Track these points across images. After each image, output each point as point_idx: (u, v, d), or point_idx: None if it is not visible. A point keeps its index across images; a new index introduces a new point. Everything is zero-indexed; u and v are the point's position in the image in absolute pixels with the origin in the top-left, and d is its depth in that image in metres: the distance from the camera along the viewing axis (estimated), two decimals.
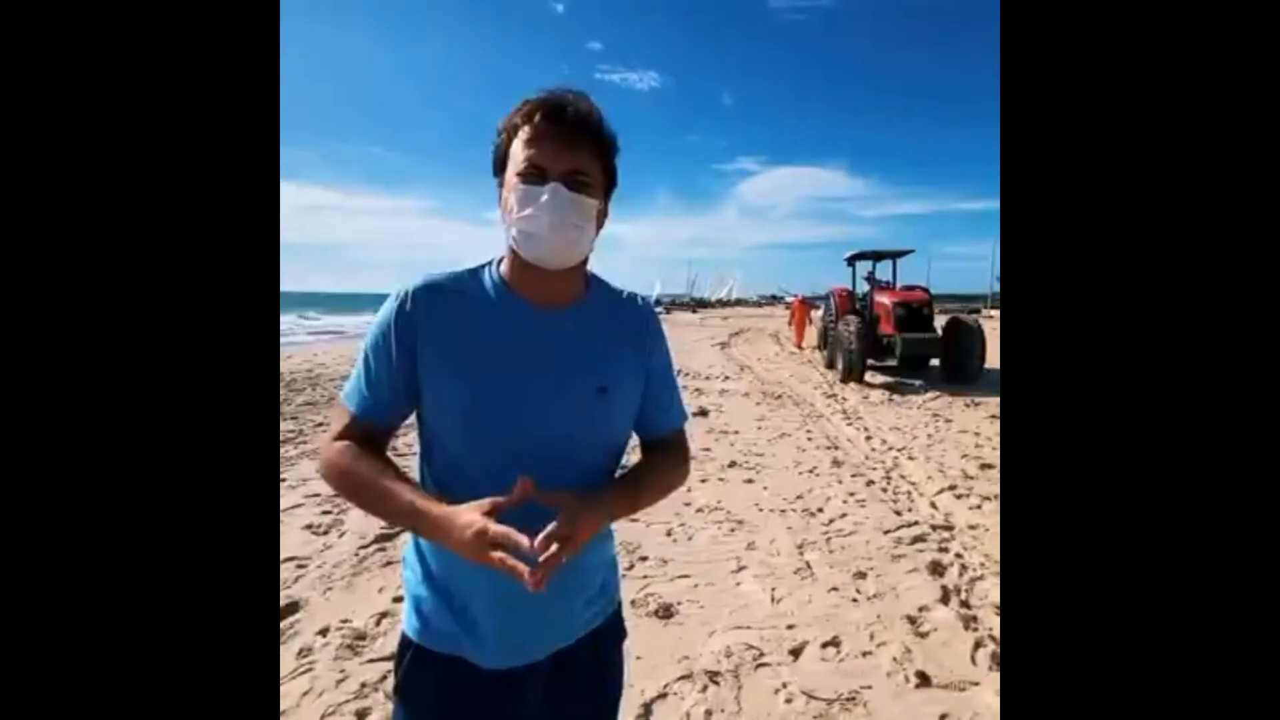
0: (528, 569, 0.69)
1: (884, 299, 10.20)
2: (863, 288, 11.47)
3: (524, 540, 0.69)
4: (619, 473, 0.94)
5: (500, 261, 0.90)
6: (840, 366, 9.84)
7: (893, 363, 9.96)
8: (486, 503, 0.73)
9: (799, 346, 15.66)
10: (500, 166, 0.86)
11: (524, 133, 0.82)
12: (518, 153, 0.82)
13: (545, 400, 0.84)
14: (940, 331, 9.76)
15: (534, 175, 0.81)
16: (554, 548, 0.71)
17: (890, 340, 9.73)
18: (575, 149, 0.82)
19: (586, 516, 0.77)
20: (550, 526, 0.72)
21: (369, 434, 0.86)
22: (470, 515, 0.72)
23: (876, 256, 11.22)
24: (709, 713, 1.96)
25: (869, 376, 9.66)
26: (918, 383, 9.27)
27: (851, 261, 11.89)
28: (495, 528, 0.70)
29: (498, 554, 0.70)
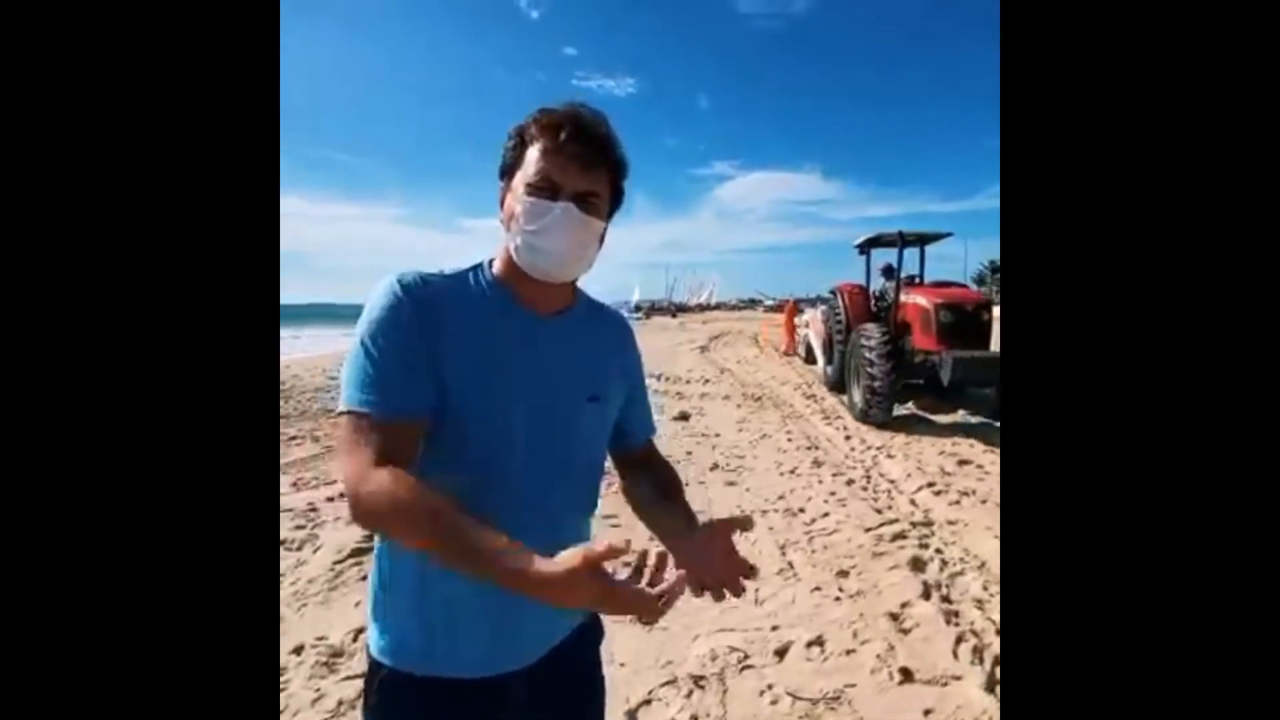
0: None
1: (920, 299, 6.77)
2: (878, 283, 8.22)
3: (650, 594, 0.66)
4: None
5: (491, 264, 0.88)
6: (859, 399, 6.63)
7: (918, 382, 6.76)
8: (582, 552, 0.63)
9: (788, 352, 13.62)
10: (507, 171, 0.84)
11: (543, 144, 0.80)
12: (531, 163, 0.80)
13: (539, 407, 0.82)
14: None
15: (546, 190, 0.79)
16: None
17: (930, 358, 6.40)
18: (593, 171, 0.81)
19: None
20: (671, 578, 0.70)
21: (402, 440, 0.74)
22: (575, 570, 0.62)
23: (902, 241, 7.60)
24: (694, 718, 1.95)
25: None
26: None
27: (865, 249, 8.47)
28: (624, 590, 0.65)
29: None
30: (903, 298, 7.20)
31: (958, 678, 2.13)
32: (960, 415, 6.75)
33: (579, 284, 0.96)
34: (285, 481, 4.22)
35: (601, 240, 0.88)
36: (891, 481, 4.54)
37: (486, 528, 0.67)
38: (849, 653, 2.30)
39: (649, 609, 0.66)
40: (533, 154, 0.80)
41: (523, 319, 0.85)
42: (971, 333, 6.40)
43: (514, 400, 0.81)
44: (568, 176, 0.79)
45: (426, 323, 0.78)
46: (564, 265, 0.83)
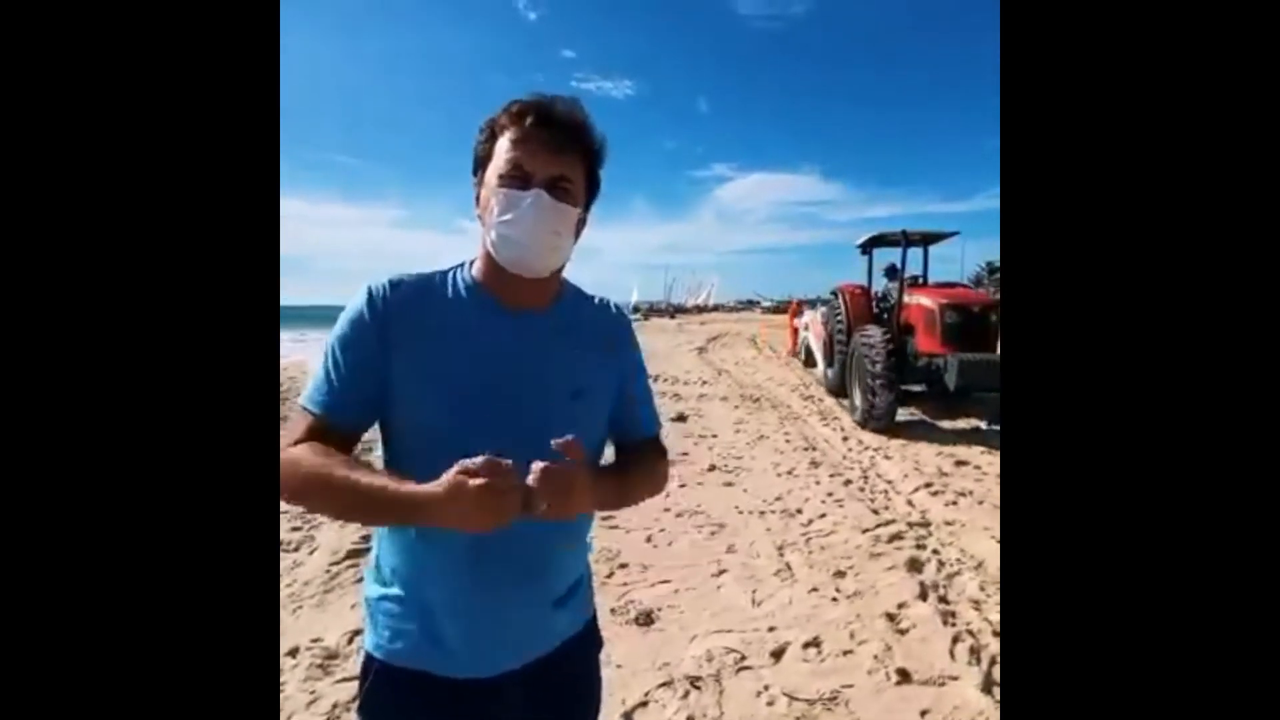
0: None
1: (924, 300, 6.64)
2: (880, 284, 8.12)
3: (507, 463, 0.67)
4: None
5: (473, 263, 0.88)
6: (860, 402, 6.49)
7: (919, 388, 6.54)
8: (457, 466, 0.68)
9: (792, 354, 13.15)
10: (480, 165, 0.84)
11: (510, 134, 0.80)
12: (501, 153, 0.80)
13: (518, 404, 0.81)
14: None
15: (517, 179, 0.79)
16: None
17: (934, 361, 6.22)
18: (562, 155, 0.80)
19: (584, 481, 0.74)
20: (547, 466, 0.70)
21: (328, 438, 0.79)
22: (446, 476, 0.67)
23: (906, 241, 7.35)
24: (691, 719, 1.94)
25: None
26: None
27: (867, 249, 8.27)
28: (473, 462, 0.66)
29: (480, 479, 0.65)
30: (906, 299, 7.01)
31: (954, 678, 2.13)
32: (965, 421, 6.59)
33: (574, 281, 0.94)
34: None
35: (579, 230, 0.86)
36: (889, 482, 4.54)
37: (374, 472, 0.73)
38: (846, 653, 2.29)
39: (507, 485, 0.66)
40: (502, 144, 0.80)
41: (501, 315, 0.84)
42: (977, 335, 6.20)
43: (493, 396, 0.80)
44: (537, 163, 0.79)
45: (388, 333, 0.80)
46: (538, 256, 0.81)
